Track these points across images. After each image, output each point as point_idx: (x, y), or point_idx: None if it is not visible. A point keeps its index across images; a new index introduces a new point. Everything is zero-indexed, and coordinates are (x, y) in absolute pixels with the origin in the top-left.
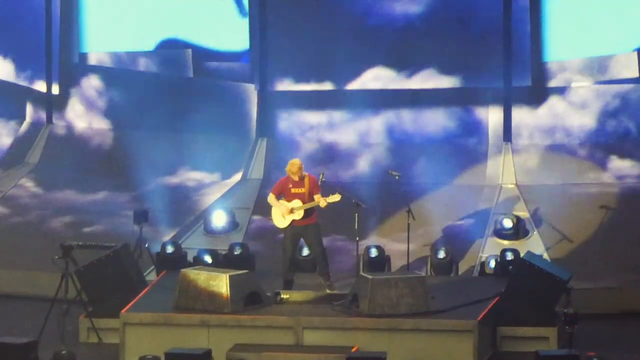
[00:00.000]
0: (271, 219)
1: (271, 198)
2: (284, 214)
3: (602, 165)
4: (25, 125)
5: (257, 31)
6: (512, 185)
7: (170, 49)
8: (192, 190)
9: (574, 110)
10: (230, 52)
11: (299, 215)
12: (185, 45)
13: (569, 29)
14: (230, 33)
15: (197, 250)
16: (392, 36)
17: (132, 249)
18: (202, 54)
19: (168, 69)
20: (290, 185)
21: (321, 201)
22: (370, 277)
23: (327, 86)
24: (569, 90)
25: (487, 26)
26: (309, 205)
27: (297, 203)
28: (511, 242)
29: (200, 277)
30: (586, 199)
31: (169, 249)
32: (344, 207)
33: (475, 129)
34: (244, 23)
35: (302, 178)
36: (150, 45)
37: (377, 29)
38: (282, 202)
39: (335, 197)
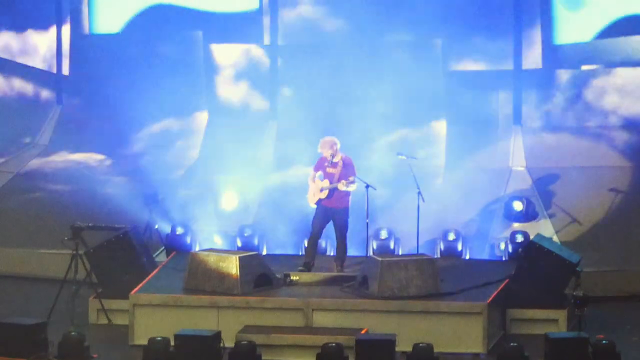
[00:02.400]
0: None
1: (311, 174)
2: (314, 191)
3: (612, 148)
4: (35, 107)
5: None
6: (522, 168)
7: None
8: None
9: (584, 93)
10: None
11: (324, 194)
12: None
13: (580, 10)
14: None
15: (207, 231)
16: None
17: (141, 230)
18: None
19: (179, 51)
20: (326, 164)
21: (340, 184)
22: (380, 259)
23: None
24: (579, 73)
25: (497, 7)
26: (331, 186)
27: (326, 183)
28: (521, 224)
29: (210, 258)
30: (596, 181)
31: (179, 231)
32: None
33: (485, 111)
34: None
35: (338, 158)
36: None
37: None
38: (317, 180)
39: (350, 187)
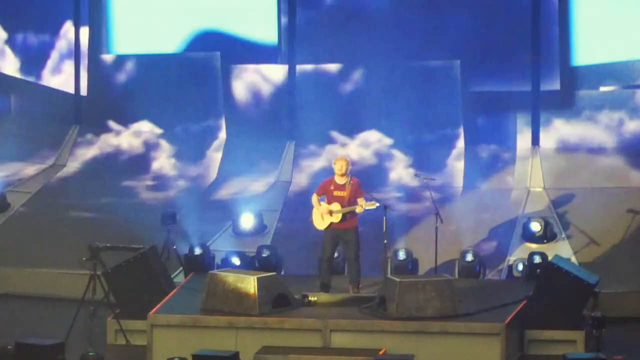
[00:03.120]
0: (312, 220)
1: (313, 198)
2: (323, 215)
3: (630, 169)
4: (53, 128)
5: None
6: (540, 189)
7: (198, 49)
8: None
9: (602, 114)
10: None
11: (337, 218)
12: (215, 35)
13: (598, 32)
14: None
15: (225, 252)
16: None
17: (160, 250)
18: (231, 54)
19: (197, 72)
20: (332, 188)
21: (358, 207)
22: (398, 279)
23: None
24: (597, 94)
25: (515, 29)
26: (346, 209)
27: (336, 206)
28: (539, 245)
29: (228, 279)
30: (614, 202)
31: (197, 251)
32: (372, 210)
33: (503, 132)
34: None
35: (345, 180)
36: (178, 43)
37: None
38: (323, 204)
39: (372, 205)
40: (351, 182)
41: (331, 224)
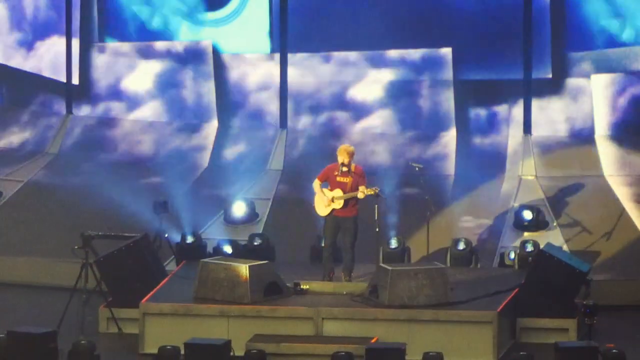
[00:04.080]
0: (313, 206)
1: (315, 184)
2: (325, 202)
3: (622, 157)
4: (45, 116)
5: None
6: (532, 177)
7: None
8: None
9: (594, 102)
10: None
11: (338, 204)
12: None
13: (590, 19)
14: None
15: (217, 240)
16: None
17: (151, 238)
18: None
19: (188, 60)
20: (336, 174)
21: (359, 192)
22: (389, 268)
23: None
24: (589, 82)
25: (507, 18)
26: (348, 195)
27: (338, 192)
28: (531, 233)
29: (220, 267)
30: (606, 190)
31: (189, 239)
32: (364, 198)
33: (495, 120)
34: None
35: (349, 167)
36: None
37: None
38: (325, 190)
39: (372, 191)
40: (355, 169)
41: (333, 210)
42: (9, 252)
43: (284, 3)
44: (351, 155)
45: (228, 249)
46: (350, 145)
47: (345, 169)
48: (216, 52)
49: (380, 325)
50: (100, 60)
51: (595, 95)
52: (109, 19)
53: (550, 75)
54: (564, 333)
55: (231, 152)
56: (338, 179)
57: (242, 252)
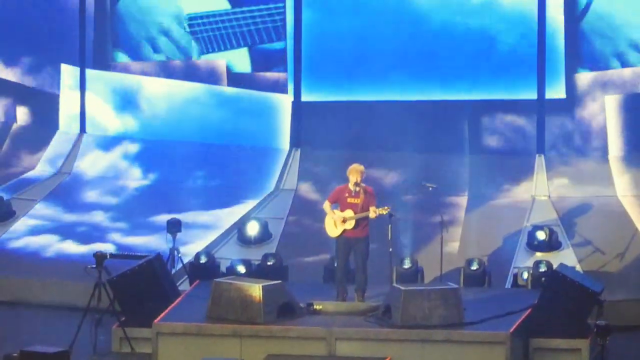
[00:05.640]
0: (324, 227)
1: (326, 205)
2: (336, 223)
3: (636, 177)
4: (58, 134)
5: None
6: (545, 197)
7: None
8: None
9: (607, 123)
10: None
11: (350, 225)
12: None
13: (603, 40)
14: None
15: (230, 260)
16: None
17: (165, 258)
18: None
19: (201, 78)
20: (346, 195)
21: (371, 212)
22: (403, 288)
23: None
24: (602, 102)
25: (521, 38)
26: (360, 215)
27: (349, 213)
28: (544, 254)
29: (233, 287)
30: (619, 211)
31: (202, 259)
32: (377, 218)
33: (508, 141)
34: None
35: (359, 188)
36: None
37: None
38: (337, 211)
39: (384, 210)
40: (365, 190)
41: (344, 231)
42: (22, 272)
43: None
44: (362, 174)
45: (241, 269)
46: (360, 164)
47: (357, 188)
48: (230, 77)
49: (393, 346)
50: (113, 79)
51: (608, 116)
52: (122, 39)
53: (564, 96)
54: (577, 353)
55: (245, 169)
56: (349, 200)
57: (255, 272)
